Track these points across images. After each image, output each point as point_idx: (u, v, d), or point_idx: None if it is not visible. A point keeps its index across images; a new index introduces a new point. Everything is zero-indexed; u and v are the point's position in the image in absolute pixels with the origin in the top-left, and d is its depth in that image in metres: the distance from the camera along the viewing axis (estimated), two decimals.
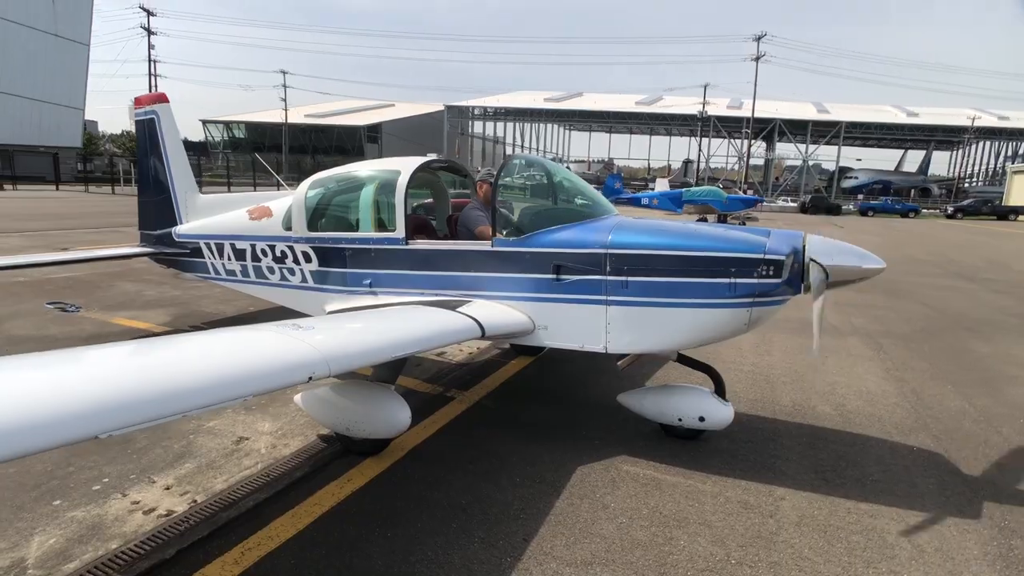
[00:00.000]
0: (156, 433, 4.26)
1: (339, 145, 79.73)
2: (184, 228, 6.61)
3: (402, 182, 4.78)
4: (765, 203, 56.09)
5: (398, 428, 3.88)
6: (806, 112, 76.22)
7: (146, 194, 7.05)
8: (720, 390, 4.44)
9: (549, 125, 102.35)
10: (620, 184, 31.76)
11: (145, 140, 6.92)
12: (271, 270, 5.63)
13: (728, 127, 74.30)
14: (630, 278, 4.01)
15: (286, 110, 77.01)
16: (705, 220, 31.06)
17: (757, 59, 60.05)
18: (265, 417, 4.64)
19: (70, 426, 1.93)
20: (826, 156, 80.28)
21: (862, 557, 3.13)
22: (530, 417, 4.88)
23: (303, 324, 3.33)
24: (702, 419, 4.32)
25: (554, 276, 4.20)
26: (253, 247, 5.72)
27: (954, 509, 3.66)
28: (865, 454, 4.38)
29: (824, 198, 55.42)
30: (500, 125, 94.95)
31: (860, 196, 67.05)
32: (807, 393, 5.66)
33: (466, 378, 5.73)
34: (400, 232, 4.75)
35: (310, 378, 2.72)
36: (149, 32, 55.71)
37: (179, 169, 6.83)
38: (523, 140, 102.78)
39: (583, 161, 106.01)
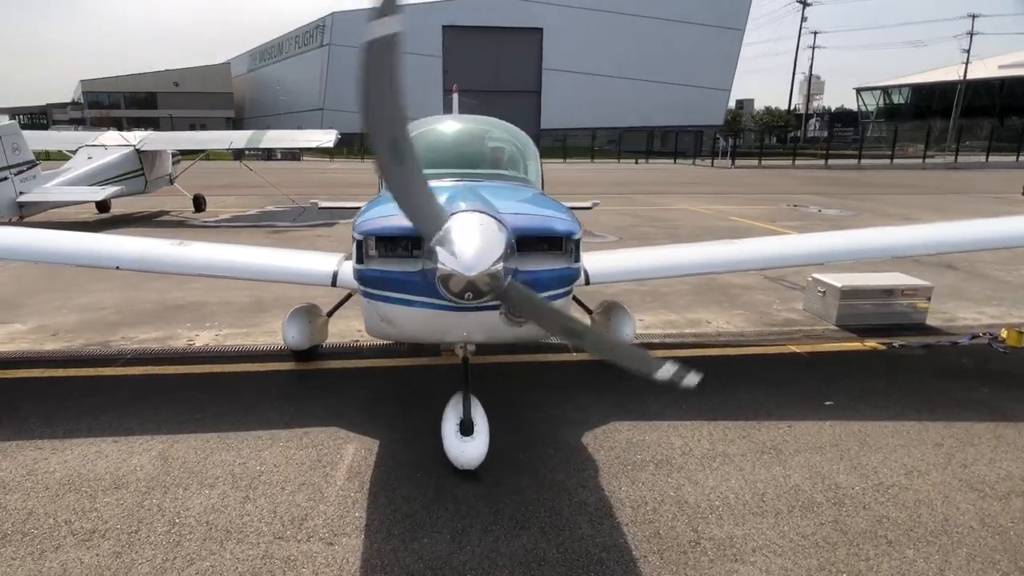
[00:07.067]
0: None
1: None
2: None
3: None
4: None
5: (290, 344, 5.26)
6: None
7: None
8: (464, 424, 3.55)
9: None
10: None
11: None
12: None
13: None
14: None
15: (966, 63, 65.90)
16: None
17: None
18: None
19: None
20: None
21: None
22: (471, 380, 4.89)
23: (191, 244, 4.98)
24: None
25: None
26: None
27: None
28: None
29: None
30: None
31: None
32: None
33: None
34: None
35: (118, 267, 4.55)
36: (804, 4, 58.42)
37: None
38: None
39: None
